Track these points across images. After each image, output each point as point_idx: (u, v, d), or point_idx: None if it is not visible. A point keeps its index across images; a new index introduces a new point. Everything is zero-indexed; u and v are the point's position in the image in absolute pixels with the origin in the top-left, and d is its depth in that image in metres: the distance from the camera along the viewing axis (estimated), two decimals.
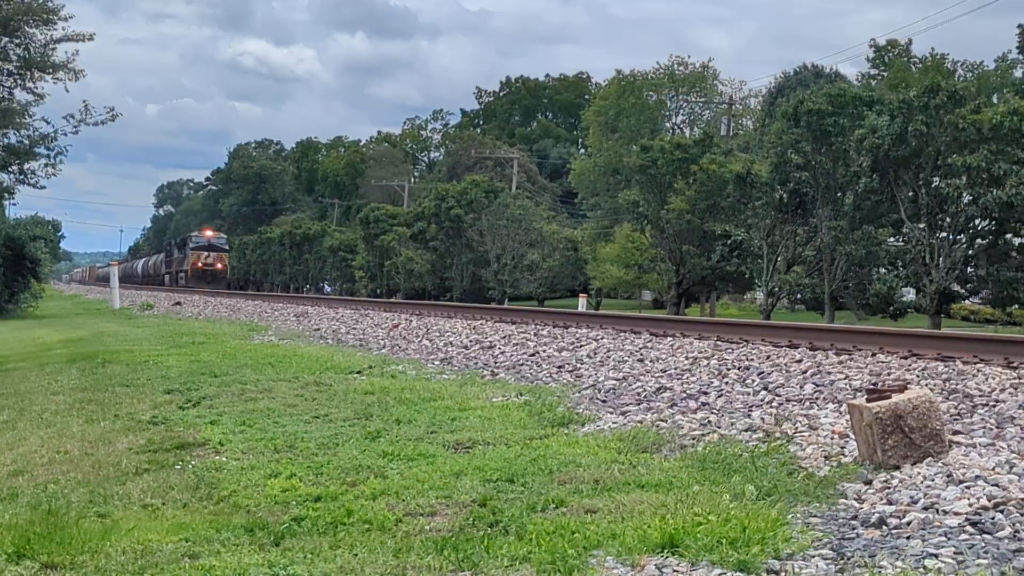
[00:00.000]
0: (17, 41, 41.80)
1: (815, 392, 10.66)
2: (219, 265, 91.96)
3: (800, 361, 12.56)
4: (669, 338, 16.41)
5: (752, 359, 13.20)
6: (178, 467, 9.34)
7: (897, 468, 7.45)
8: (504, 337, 19.31)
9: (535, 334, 19.20)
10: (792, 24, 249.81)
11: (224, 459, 9.46)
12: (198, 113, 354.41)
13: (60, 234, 58.83)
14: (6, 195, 46.18)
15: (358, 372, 15.98)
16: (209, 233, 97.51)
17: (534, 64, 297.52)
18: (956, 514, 6.32)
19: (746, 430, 9.46)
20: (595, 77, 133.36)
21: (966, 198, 39.13)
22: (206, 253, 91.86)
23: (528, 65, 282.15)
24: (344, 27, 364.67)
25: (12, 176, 44.38)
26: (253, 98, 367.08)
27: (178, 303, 48.95)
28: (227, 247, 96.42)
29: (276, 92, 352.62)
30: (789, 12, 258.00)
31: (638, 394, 11.99)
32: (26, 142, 43.46)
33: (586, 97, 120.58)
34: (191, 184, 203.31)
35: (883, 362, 11.91)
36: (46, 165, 44.52)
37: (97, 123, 43.57)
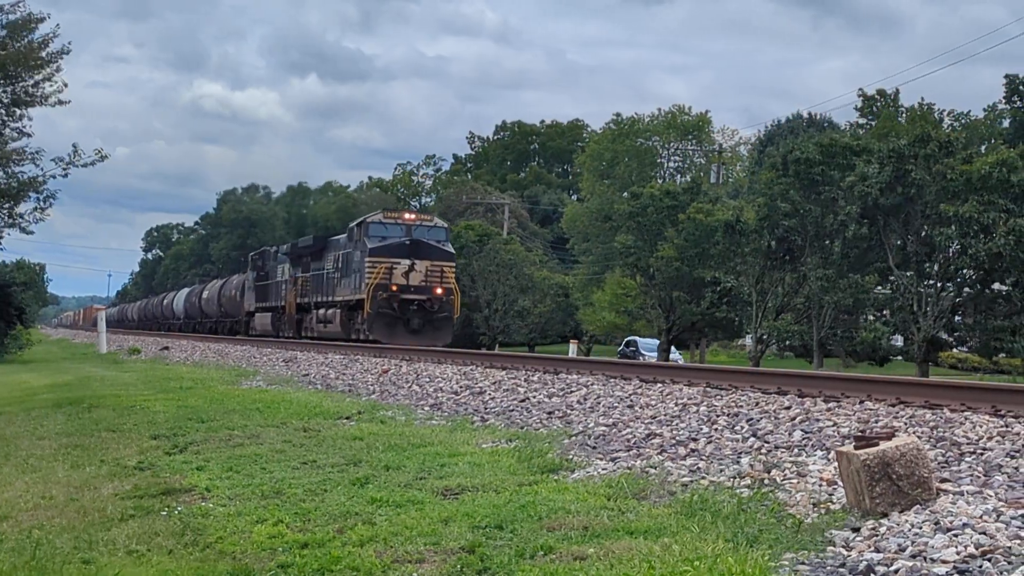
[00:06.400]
0: (7, 83, 42.01)
1: (804, 439, 10.65)
2: (439, 289, 40.37)
3: (789, 408, 12.56)
4: (659, 384, 16.40)
5: (741, 406, 13.20)
6: (164, 513, 9.30)
7: (885, 515, 7.44)
8: (494, 383, 19.29)
9: (525, 380, 19.18)
10: (751, 73, 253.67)
11: (210, 505, 9.43)
12: (169, 156, 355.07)
13: (47, 278, 58.71)
14: None
15: (347, 418, 15.94)
16: (410, 216, 43.25)
17: (495, 110, 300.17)
18: (944, 562, 6.31)
19: (735, 477, 9.44)
20: (563, 121, 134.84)
21: (955, 247, 39.34)
22: (408, 262, 39.98)
23: (489, 111, 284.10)
24: (295, 70, 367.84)
25: (1, 220, 44.37)
26: (220, 140, 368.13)
27: (166, 348, 48.85)
28: (451, 247, 43.44)
29: (242, 135, 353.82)
30: (748, 61, 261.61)
31: (628, 440, 11.97)
32: (15, 184, 43.48)
33: (579, 143, 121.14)
34: (180, 228, 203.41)
35: (871, 409, 11.91)
36: (35, 209, 44.54)
37: (86, 164, 43.56)
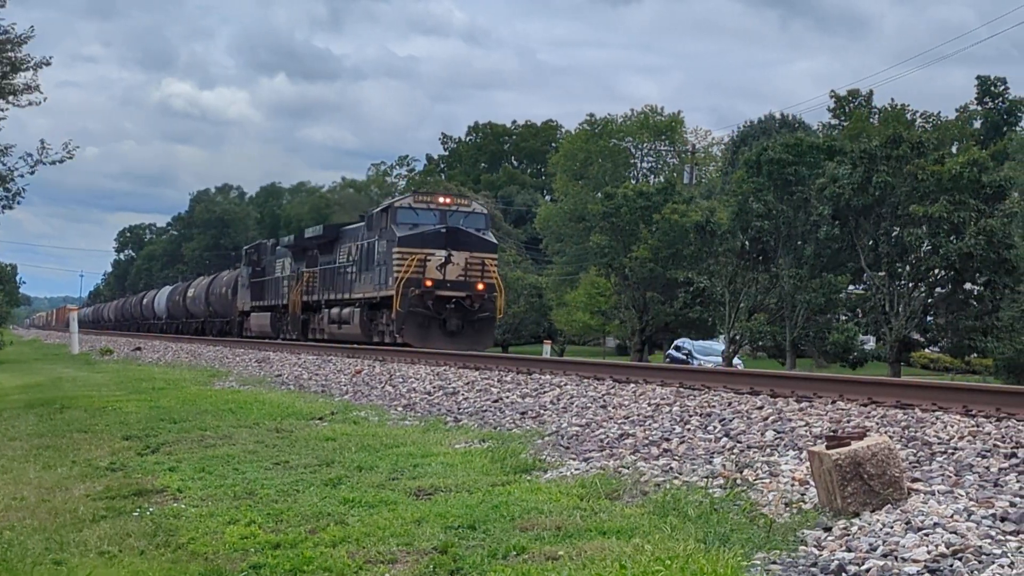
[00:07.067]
0: None
1: (776, 439, 10.68)
2: (480, 284, 34.68)
3: (761, 408, 12.58)
4: (632, 384, 16.42)
5: (714, 406, 13.22)
6: (136, 514, 9.27)
7: (856, 515, 7.47)
8: (468, 383, 19.28)
9: (499, 380, 19.17)
10: (720, 73, 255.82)
11: (182, 506, 9.40)
12: (139, 155, 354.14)
13: (19, 279, 58.08)
14: None
15: (320, 418, 15.90)
16: (445, 199, 37.25)
17: (467, 110, 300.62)
18: (915, 561, 6.34)
19: (707, 476, 9.46)
20: (535, 121, 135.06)
21: (926, 247, 39.60)
22: (444, 253, 34.31)
23: (461, 111, 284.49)
24: (263, 70, 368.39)
25: None
26: (190, 140, 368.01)
27: (138, 348, 48.61)
28: (492, 236, 37.36)
29: (212, 135, 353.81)
30: (717, 61, 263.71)
31: (601, 440, 11.98)
32: None
33: (553, 144, 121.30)
34: (153, 228, 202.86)
35: (843, 409, 11.95)
36: (3, 207, 44.19)
37: (55, 162, 43.12)
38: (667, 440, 11.40)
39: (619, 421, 13.05)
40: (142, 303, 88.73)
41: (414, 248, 33.75)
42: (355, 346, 33.02)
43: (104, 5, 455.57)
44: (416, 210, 35.29)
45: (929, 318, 42.59)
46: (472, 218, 35.65)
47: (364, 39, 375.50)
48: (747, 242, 45.83)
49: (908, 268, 40.94)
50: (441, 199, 36.45)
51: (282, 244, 49.31)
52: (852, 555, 6.61)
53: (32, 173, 43.16)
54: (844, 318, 45.70)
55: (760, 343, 48.73)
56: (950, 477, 8.33)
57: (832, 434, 8.56)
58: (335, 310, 39.53)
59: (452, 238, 34.11)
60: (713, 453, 10.45)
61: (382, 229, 35.69)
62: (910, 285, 41.10)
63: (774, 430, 11.10)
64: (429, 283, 33.42)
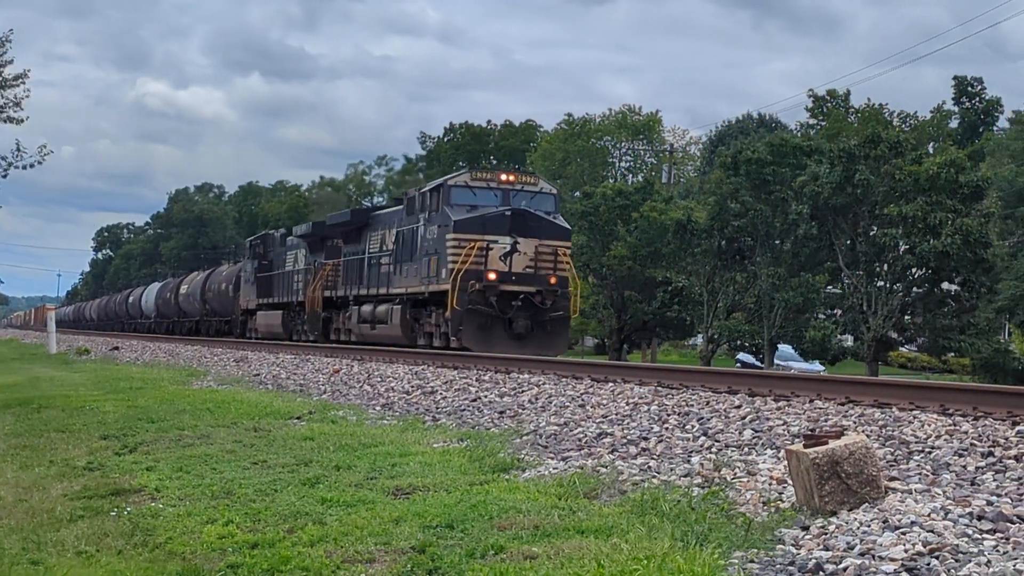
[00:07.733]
0: None
1: (754, 438, 10.70)
2: (552, 278, 28.73)
3: (739, 407, 12.60)
4: (610, 384, 16.42)
5: (692, 405, 13.24)
6: (113, 514, 9.24)
7: (834, 514, 7.49)
8: (446, 382, 19.26)
9: (477, 379, 19.16)
10: (696, 74, 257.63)
11: (160, 505, 9.38)
12: (115, 155, 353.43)
13: None
14: None
15: (298, 418, 15.88)
16: (508, 177, 30.48)
17: (443, 109, 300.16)
18: (892, 560, 6.36)
19: (685, 475, 9.48)
20: (513, 120, 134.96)
21: (903, 247, 39.75)
22: (509, 240, 28.50)
23: (437, 110, 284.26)
24: (238, 69, 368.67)
25: None
26: (166, 139, 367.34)
27: (116, 348, 48.39)
28: (563, 220, 31.34)
29: (188, 134, 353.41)
30: (692, 62, 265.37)
31: (579, 439, 11.99)
32: None
33: (532, 143, 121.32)
34: (131, 228, 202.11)
35: (821, 408, 11.98)
36: None
37: (28, 165, 42.72)
38: (645, 439, 11.41)
39: (597, 420, 13.06)
40: (128, 301, 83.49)
41: (473, 234, 28.52)
42: (394, 349, 28.88)
43: (78, 4, 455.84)
44: (473, 189, 29.76)
45: (906, 317, 42.76)
46: (540, 199, 30.17)
47: (339, 39, 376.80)
48: (725, 241, 45.93)
49: (885, 268, 41.09)
50: (503, 176, 30.65)
51: (295, 234, 44.26)
52: (830, 554, 6.63)
53: (5, 176, 42.72)
54: (822, 317, 45.84)
55: (738, 342, 48.82)
56: (927, 476, 8.36)
57: (810, 433, 8.59)
58: (367, 307, 34.19)
59: (519, 223, 28.83)
60: (691, 452, 10.47)
61: (431, 212, 30.31)
62: (887, 285, 41.25)
63: (752, 429, 11.13)
64: (492, 276, 28.26)
